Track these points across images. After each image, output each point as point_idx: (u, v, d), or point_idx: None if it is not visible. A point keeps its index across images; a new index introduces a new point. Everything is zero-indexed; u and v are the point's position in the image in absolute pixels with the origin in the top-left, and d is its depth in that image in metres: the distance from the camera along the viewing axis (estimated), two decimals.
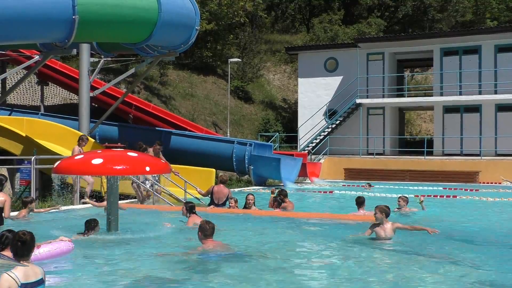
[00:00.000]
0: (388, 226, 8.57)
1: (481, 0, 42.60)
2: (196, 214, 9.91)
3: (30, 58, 20.36)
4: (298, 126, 29.23)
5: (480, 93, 25.73)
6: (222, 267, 6.95)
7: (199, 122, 28.18)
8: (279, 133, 29.94)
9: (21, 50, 20.61)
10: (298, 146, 28.67)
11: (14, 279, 4.54)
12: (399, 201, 12.35)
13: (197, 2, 19.07)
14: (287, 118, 34.03)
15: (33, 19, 12.50)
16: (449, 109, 26.43)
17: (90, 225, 8.77)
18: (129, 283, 6.32)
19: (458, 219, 12.22)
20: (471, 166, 23.05)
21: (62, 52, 15.35)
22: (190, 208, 10.03)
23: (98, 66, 19.51)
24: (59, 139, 16.96)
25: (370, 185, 18.95)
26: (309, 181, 22.17)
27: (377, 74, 27.87)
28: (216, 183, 13.26)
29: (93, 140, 16.79)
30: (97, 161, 8.51)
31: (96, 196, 13.99)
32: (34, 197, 12.29)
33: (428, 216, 12.19)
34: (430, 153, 25.86)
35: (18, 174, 15.41)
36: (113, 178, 9.27)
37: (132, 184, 13.69)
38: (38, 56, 19.39)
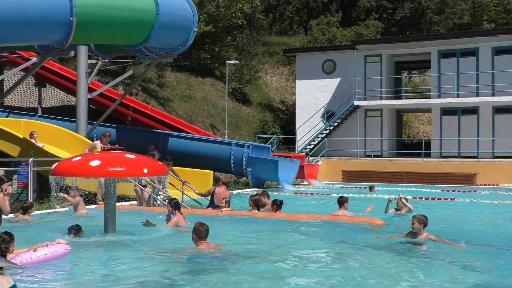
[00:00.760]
0: (423, 236, 8.57)
1: (479, 3, 42.70)
2: (181, 212, 9.98)
3: (27, 60, 20.34)
4: (296, 128, 29.24)
5: (477, 95, 25.77)
6: (216, 269, 6.94)
7: (197, 124, 28.17)
8: (277, 135, 29.94)
9: (19, 52, 20.59)
10: (296, 148, 28.68)
11: None
12: (397, 203, 12.33)
13: (195, 4, 19.07)
14: (285, 120, 34.05)
15: (31, 21, 12.49)
16: (447, 111, 26.46)
17: (71, 231, 8.81)
18: (126, 285, 6.31)
19: (455, 221, 12.23)
20: (468, 168, 23.08)
21: (60, 54, 15.35)
22: (175, 204, 10.09)
23: (96, 68, 19.48)
24: (57, 141, 16.93)
25: (373, 188, 18.82)
26: (307, 183, 22.18)
27: (374, 76, 27.90)
28: (217, 185, 13.27)
29: (90, 142, 16.76)
30: (94, 163, 8.50)
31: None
32: (32, 200, 12.28)
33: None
34: (427, 155, 25.89)
35: (15, 176, 15.37)
36: (111, 180, 9.27)
37: (135, 187, 13.67)
38: (35, 58, 19.38)
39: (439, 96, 26.76)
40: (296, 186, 21.11)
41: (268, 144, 25.80)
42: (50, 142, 16.81)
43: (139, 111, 22.88)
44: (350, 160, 25.79)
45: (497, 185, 21.53)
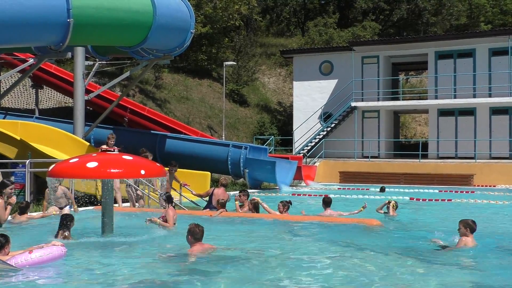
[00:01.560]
0: (469, 240, 8.23)
1: (475, 4, 42.79)
2: (173, 206, 10.04)
3: (24, 61, 20.31)
4: (293, 129, 29.25)
5: (474, 96, 25.82)
6: (212, 270, 6.94)
7: (194, 125, 28.17)
8: (274, 136, 29.96)
9: (16, 53, 20.55)
10: (293, 149, 28.70)
11: None
12: (388, 206, 12.40)
13: (192, 5, 19.08)
14: (282, 121, 34.06)
15: (28, 22, 12.46)
16: (444, 112, 26.51)
17: (63, 223, 8.72)
18: (122, 286, 6.31)
19: (452, 221, 12.21)
20: (465, 169, 23.12)
21: (57, 55, 15.32)
22: (167, 198, 10.13)
23: (93, 69, 19.47)
24: (54, 143, 16.89)
25: (383, 189, 18.77)
26: (305, 184, 22.19)
27: (372, 77, 27.95)
28: (217, 186, 13.26)
29: (87, 144, 16.75)
30: (92, 164, 8.49)
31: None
32: (29, 201, 12.24)
33: (421, 220, 12.23)
34: (425, 156, 25.92)
35: (12, 178, 15.33)
36: (108, 181, 9.26)
37: (126, 187, 13.64)
38: (32, 59, 19.36)
39: (436, 97, 26.81)
40: (294, 187, 21.11)
41: (266, 145, 25.81)
42: (47, 144, 16.76)
43: (136, 112, 22.87)
44: (347, 161, 25.81)
45: (494, 186, 21.57)
